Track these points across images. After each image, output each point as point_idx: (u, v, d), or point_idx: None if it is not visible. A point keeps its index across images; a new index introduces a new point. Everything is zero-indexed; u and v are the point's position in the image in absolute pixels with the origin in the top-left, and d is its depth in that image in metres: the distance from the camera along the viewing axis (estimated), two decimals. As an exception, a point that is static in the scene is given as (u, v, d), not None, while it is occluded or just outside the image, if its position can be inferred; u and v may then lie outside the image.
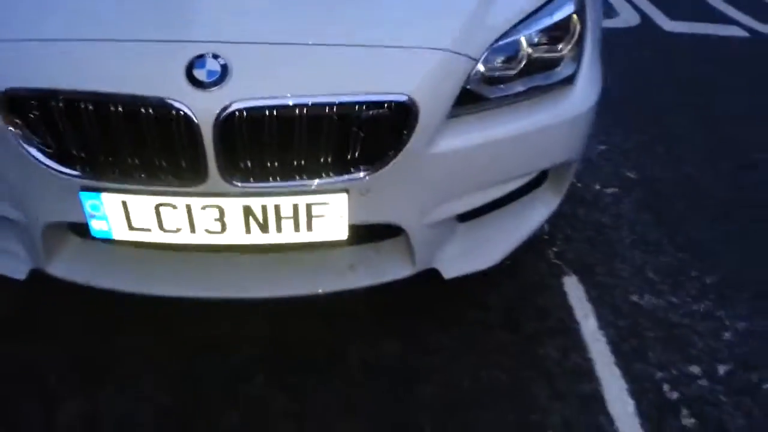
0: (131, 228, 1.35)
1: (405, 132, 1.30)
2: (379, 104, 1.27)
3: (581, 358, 1.68)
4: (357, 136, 1.30)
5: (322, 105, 1.24)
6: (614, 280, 1.94)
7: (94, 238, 1.49)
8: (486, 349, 1.69)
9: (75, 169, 1.29)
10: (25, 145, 1.27)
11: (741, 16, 4.24)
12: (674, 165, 2.54)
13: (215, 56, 1.23)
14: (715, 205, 2.32)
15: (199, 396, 1.52)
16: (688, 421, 1.54)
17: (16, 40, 1.27)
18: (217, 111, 1.20)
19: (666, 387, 1.62)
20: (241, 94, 1.22)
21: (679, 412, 1.56)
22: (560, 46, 1.51)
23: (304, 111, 1.24)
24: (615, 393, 1.60)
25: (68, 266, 1.52)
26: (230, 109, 1.21)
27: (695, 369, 1.68)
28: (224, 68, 1.22)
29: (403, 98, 1.27)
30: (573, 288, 1.90)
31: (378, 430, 1.47)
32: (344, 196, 1.33)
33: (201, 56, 1.23)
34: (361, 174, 1.32)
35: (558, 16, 1.50)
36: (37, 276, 1.52)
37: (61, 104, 1.23)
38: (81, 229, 1.48)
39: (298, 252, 1.56)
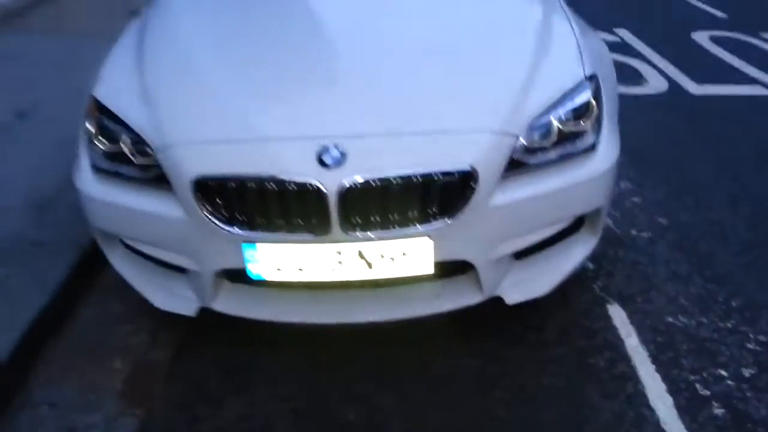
0: (278, 270, 1.87)
1: (469, 193, 1.79)
2: (450, 174, 1.77)
3: (626, 366, 2.07)
4: (435, 197, 1.79)
5: (410, 176, 1.75)
6: (652, 306, 2.33)
7: (242, 282, 2.04)
8: (544, 361, 2.09)
9: (239, 228, 1.83)
10: (207, 214, 1.82)
11: (763, 76, 4.65)
12: (701, 212, 2.93)
13: (336, 146, 1.77)
14: (737, 243, 2.69)
15: (324, 398, 1.98)
16: (719, 411, 1.90)
17: (201, 142, 1.85)
18: (339, 184, 1.73)
19: (699, 386, 1.99)
20: (355, 172, 1.74)
21: (711, 404, 1.92)
22: (582, 122, 1.99)
23: (398, 181, 1.75)
24: (656, 392, 1.97)
25: (227, 303, 2.04)
26: (348, 183, 1.73)
27: (724, 372, 2.04)
28: (343, 155, 1.76)
29: (467, 168, 1.77)
30: (616, 313, 2.29)
31: (465, 420, 1.89)
32: (428, 240, 1.82)
33: (327, 147, 1.77)
34: (440, 224, 1.81)
35: (579, 100, 1.99)
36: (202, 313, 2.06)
37: (233, 184, 1.79)
38: (234, 276, 2.02)
39: (396, 286, 2.04)
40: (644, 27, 5.79)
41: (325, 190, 1.73)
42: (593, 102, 2.01)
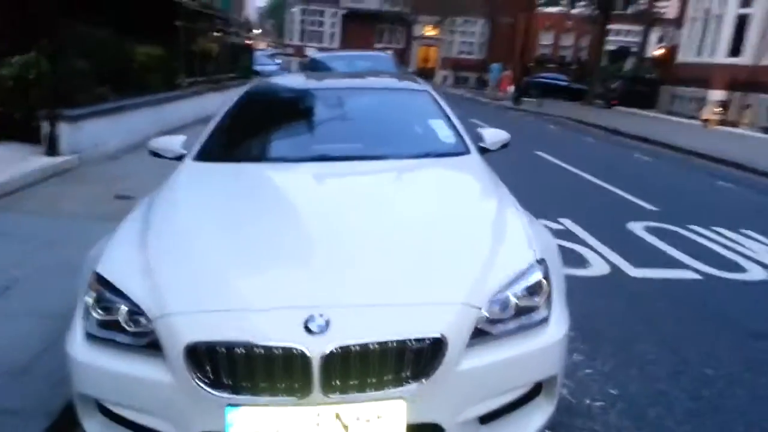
0: (255, 432, 1.99)
1: (439, 358, 2.01)
2: (422, 340, 2.01)
3: None
4: (409, 362, 2.00)
5: (386, 342, 1.98)
6: (607, 472, 2.46)
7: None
8: None
9: (225, 392, 1.98)
10: (195, 379, 1.98)
11: (692, 262, 5.19)
12: (648, 383, 3.17)
13: (320, 315, 2.01)
14: (681, 411, 2.91)
15: None
16: None
17: (196, 312, 2.07)
18: (323, 349, 1.94)
19: None
20: (338, 338, 1.96)
21: None
22: (536, 299, 2.29)
23: (376, 347, 1.98)
24: None
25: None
26: (330, 347, 1.94)
27: None
28: (327, 322, 1.99)
29: (438, 335, 2.01)
30: (576, 480, 2.41)
31: None
32: (402, 402, 1.99)
33: (312, 315, 2.01)
34: (413, 386, 2.00)
35: (532, 279, 2.31)
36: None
37: (223, 350, 1.98)
38: None
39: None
40: (585, 217, 6.45)
41: (309, 354, 1.93)
42: (544, 281, 2.33)
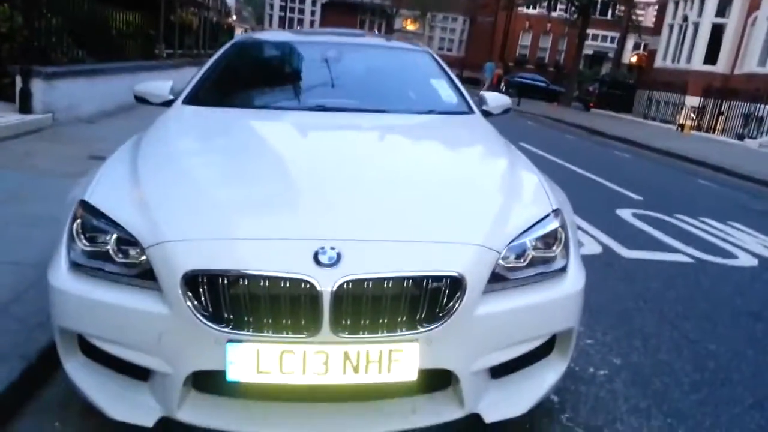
0: (258, 371, 1.80)
1: (457, 300, 1.87)
2: (440, 279, 1.85)
3: (603, 493, 2.03)
4: (424, 303, 1.85)
5: (402, 279, 1.82)
6: (619, 437, 2.35)
7: (209, 392, 1.94)
8: (523, 488, 2.03)
9: (226, 327, 1.80)
10: (194, 310, 1.79)
11: (683, 247, 5.15)
12: (650, 354, 3.07)
13: (332, 248, 1.84)
14: (688, 382, 2.81)
15: None
16: None
17: (196, 239, 1.88)
18: (334, 282, 1.77)
19: None
20: (350, 271, 1.79)
21: None
22: (553, 247, 2.17)
23: (390, 283, 1.82)
24: None
25: (194, 412, 1.91)
26: (342, 281, 1.77)
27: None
28: (339, 256, 1.82)
29: (456, 274, 1.86)
30: (586, 443, 2.29)
31: None
32: (416, 345, 1.84)
33: (323, 247, 1.84)
34: (427, 329, 1.85)
35: (549, 228, 2.18)
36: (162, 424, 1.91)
37: (225, 280, 1.79)
38: (203, 385, 1.93)
39: (373, 401, 1.99)
40: (573, 201, 6.35)
41: (319, 288, 1.76)
42: (561, 230, 2.20)
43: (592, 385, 2.71)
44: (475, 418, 2.02)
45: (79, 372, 2.04)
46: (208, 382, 1.93)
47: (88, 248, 1.99)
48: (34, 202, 4.32)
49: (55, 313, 1.99)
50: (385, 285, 1.81)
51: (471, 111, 3.42)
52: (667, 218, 6.19)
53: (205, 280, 1.79)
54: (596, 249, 4.83)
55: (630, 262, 4.61)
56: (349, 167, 2.39)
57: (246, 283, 1.78)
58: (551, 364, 2.23)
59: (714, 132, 19.37)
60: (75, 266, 1.98)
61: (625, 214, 6.19)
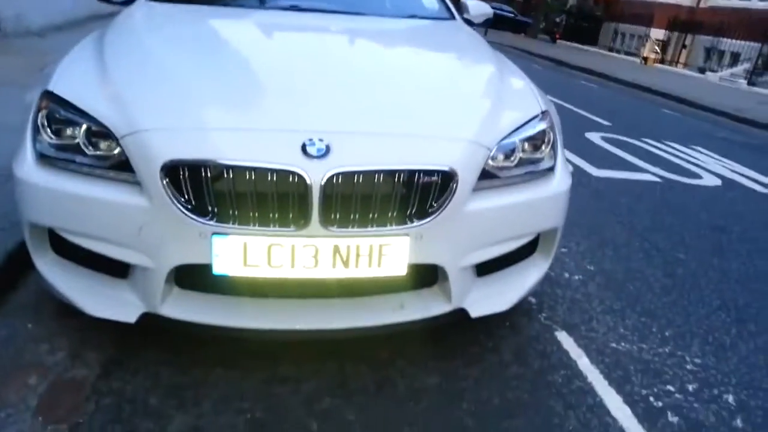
0: (246, 265, 1.75)
1: (448, 194, 1.83)
2: (431, 173, 1.81)
3: (582, 382, 2.09)
4: (415, 197, 1.81)
5: (393, 172, 1.77)
6: (595, 334, 2.41)
7: (191, 288, 1.90)
8: (505, 378, 2.07)
9: (210, 219, 1.73)
10: (176, 203, 1.71)
11: (650, 167, 5.24)
12: (622, 261, 3.15)
13: (320, 139, 1.76)
14: (659, 287, 2.90)
15: (284, 410, 1.82)
16: (674, 419, 1.95)
17: (176, 128, 1.77)
18: (324, 174, 1.70)
19: (652, 399, 2.05)
20: (340, 164, 1.73)
21: (666, 414, 1.98)
22: (542, 148, 2.15)
23: (381, 177, 1.76)
24: (614, 404, 2.00)
25: (177, 307, 1.86)
26: (332, 173, 1.70)
27: (671, 387, 2.12)
28: (327, 147, 1.75)
29: (447, 168, 1.82)
30: (564, 338, 2.35)
31: (432, 430, 1.80)
32: (406, 239, 1.81)
33: (311, 139, 1.76)
34: (418, 224, 1.82)
35: (537, 128, 2.14)
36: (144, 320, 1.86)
37: (208, 172, 1.71)
38: (185, 280, 1.88)
39: (361, 296, 1.98)
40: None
41: (308, 180, 1.69)
42: (549, 131, 2.17)
43: (567, 289, 2.76)
44: (460, 314, 2.04)
45: (53, 270, 1.96)
46: (190, 280, 1.88)
47: (56, 141, 1.87)
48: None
49: (24, 208, 1.88)
50: (376, 178, 1.75)
51: (453, 17, 3.31)
52: (634, 141, 6.27)
53: (186, 172, 1.70)
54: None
55: (600, 181, 4.66)
56: (332, 63, 2.28)
57: (231, 174, 1.70)
58: (534, 264, 2.25)
59: (677, 65, 19.54)
60: (43, 158, 1.86)
61: (594, 137, 6.23)
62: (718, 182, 5.08)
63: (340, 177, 1.71)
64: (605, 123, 7.24)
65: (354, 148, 1.78)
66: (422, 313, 1.98)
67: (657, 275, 3.03)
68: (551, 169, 2.16)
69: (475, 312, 2.05)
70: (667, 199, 4.41)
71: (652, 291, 2.85)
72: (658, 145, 6.26)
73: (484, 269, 2.09)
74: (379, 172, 1.75)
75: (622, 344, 2.36)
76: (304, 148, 1.73)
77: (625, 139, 6.34)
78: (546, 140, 2.16)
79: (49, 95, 1.93)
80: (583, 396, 2.02)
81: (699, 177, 5.17)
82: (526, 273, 2.23)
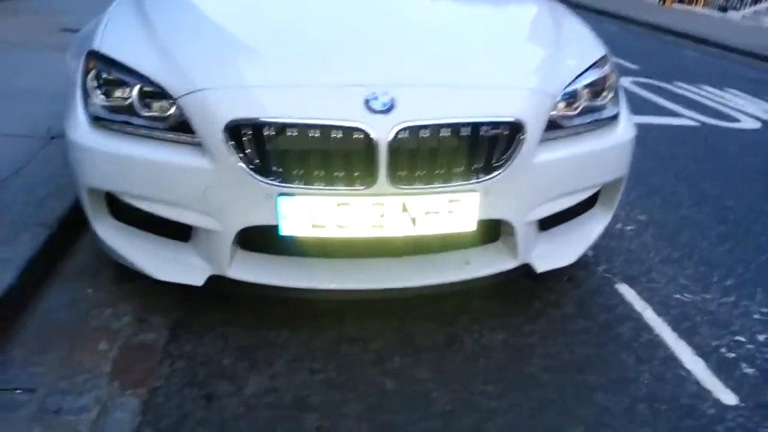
0: (313, 226, 1.70)
1: (516, 145, 1.76)
2: (499, 125, 1.73)
3: (650, 335, 2.06)
4: (483, 150, 1.74)
5: (459, 125, 1.69)
6: (656, 285, 2.37)
7: (256, 250, 1.86)
8: (572, 332, 2.05)
9: (276, 180, 1.67)
10: (242, 163, 1.65)
11: (686, 111, 5.10)
12: (672, 210, 3.08)
13: (384, 93, 1.68)
14: (714, 234, 2.84)
15: (356, 369, 1.81)
16: (749, 370, 1.92)
17: (237, 86, 1.70)
18: (390, 129, 1.63)
19: (723, 350, 2.01)
20: (406, 119, 1.65)
21: (740, 365, 1.95)
22: (603, 94, 2.06)
23: (448, 131, 1.69)
24: (686, 356, 1.97)
25: (245, 269, 1.83)
26: (398, 128, 1.63)
27: (741, 338, 2.08)
28: (392, 102, 1.67)
29: (516, 119, 1.74)
30: (626, 291, 2.31)
31: (508, 386, 1.78)
32: (476, 194, 1.75)
33: (374, 93, 1.68)
34: (486, 178, 1.75)
35: (601, 73, 2.05)
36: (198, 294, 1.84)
37: (272, 131, 1.64)
38: (250, 243, 1.84)
39: (427, 254, 1.94)
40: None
41: (375, 137, 1.63)
42: (612, 75, 2.08)
43: (622, 240, 2.71)
44: (524, 269, 2.00)
45: (113, 235, 1.93)
46: (253, 241, 1.84)
47: (108, 103, 1.81)
48: (14, 75, 4.00)
49: (81, 173, 1.83)
50: (443, 132, 1.68)
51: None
52: (666, 85, 6.09)
53: (249, 131, 1.64)
54: (602, 115, 4.74)
55: (638, 127, 4.52)
56: (384, 13, 2.18)
57: (294, 133, 1.64)
58: (596, 216, 2.19)
59: (696, 4, 18.86)
60: (97, 120, 1.80)
61: (626, 82, 6.05)
62: (757, 125, 4.94)
63: (406, 132, 1.64)
64: (633, 66, 7.03)
65: (419, 102, 1.71)
66: (488, 270, 1.94)
67: (710, 223, 2.96)
68: (615, 117, 2.07)
69: (540, 267, 2.01)
70: (708, 144, 4.30)
71: (708, 239, 2.79)
72: (691, 88, 6.08)
73: (548, 223, 2.04)
74: (445, 125, 1.68)
75: (686, 295, 2.32)
76: (367, 102, 1.66)
77: (656, 83, 6.16)
78: (608, 86, 2.07)
79: (95, 55, 1.86)
80: (654, 349, 1.99)
81: (737, 120, 5.02)
82: (589, 226, 2.18)
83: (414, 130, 1.65)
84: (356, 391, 1.73)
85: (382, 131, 1.62)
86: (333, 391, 1.73)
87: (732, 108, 5.43)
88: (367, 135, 1.62)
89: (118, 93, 1.80)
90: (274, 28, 1.97)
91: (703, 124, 4.80)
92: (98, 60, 1.84)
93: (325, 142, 1.64)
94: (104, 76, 1.82)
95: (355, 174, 1.67)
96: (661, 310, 2.21)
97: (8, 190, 2.47)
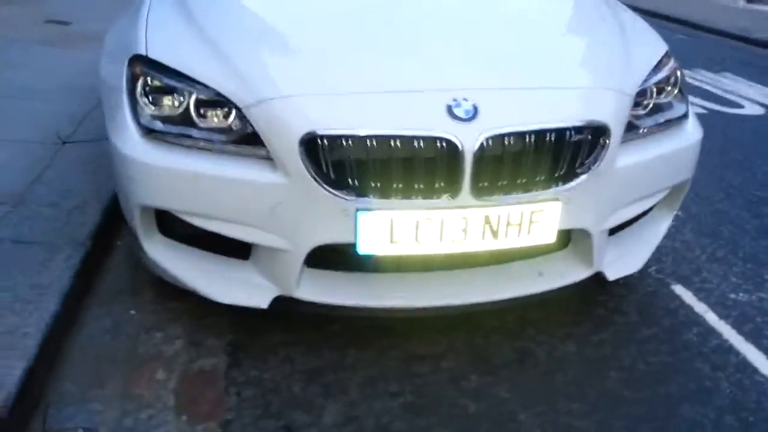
0: (392, 242, 1.60)
1: (599, 150, 1.68)
2: (584, 129, 1.65)
3: (719, 339, 2.02)
4: (566, 156, 1.66)
5: (545, 130, 1.61)
6: (710, 285, 2.33)
7: (321, 267, 1.76)
8: (641, 340, 1.99)
9: (352, 195, 1.57)
10: (317, 179, 1.54)
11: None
12: (706, 204, 3.05)
13: (465, 99, 1.59)
14: (751, 229, 2.82)
15: (435, 391, 1.72)
16: (824, 375, 1.90)
17: (311, 95, 1.58)
18: (476, 138, 1.54)
19: (795, 354, 1.99)
20: (491, 125, 1.56)
21: (814, 369, 1.92)
22: (673, 90, 2.00)
23: (533, 137, 1.60)
24: (760, 361, 1.93)
25: (313, 289, 1.72)
26: (485, 136, 1.54)
27: (809, 340, 2.06)
28: (474, 107, 1.58)
29: (602, 122, 1.67)
30: (682, 292, 2.26)
31: (593, 401, 1.72)
32: (558, 204, 1.67)
33: (456, 99, 1.58)
34: (569, 185, 1.68)
35: (668, 69, 2.00)
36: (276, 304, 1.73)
37: (349, 142, 1.54)
38: (317, 261, 1.73)
39: (497, 266, 1.85)
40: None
41: (460, 146, 1.53)
42: (678, 73, 2.02)
43: (665, 238, 2.63)
44: (595, 278, 1.94)
45: (165, 254, 1.80)
46: (321, 259, 1.73)
47: (160, 113, 1.67)
48: (3, 71, 3.77)
49: (133, 190, 1.70)
50: (527, 139, 1.60)
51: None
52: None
53: (325, 143, 1.53)
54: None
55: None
56: (450, 14, 2.06)
57: (374, 144, 1.53)
58: (658, 218, 2.14)
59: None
60: (150, 133, 1.67)
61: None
62: (761, 111, 4.95)
63: (492, 140, 1.55)
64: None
65: (502, 107, 1.62)
66: (563, 280, 1.87)
67: (745, 216, 2.94)
68: (685, 116, 2.02)
69: (612, 274, 1.95)
70: (720, 131, 4.28)
71: (748, 234, 2.76)
72: (689, 72, 6.07)
73: (614, 228, 1.98)
74: (530, 132, 1.59)
75: (741, 294, 2.29)
76: (450, 109, 1.56)
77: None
78: (675, 82, 2.01)
79: (142, 60, 1.72)
80: (726, 355, 1.95)
81: (741, 106, 5.03)
82: (652, 228, 2.12)
83: (499, 137, 1.56)
84: (439, 415, 1.65)
85: (468, 140, 1.53)
86: (415, 416, 1.65)
87: (733, 93, 5.44)
88: (451, 144, 1.53)
89: (167, 101, 1.67)
90: (338, 28, 1.85)
91: (709, 110, 4.80)
92: (146, 65, 1.71)
93: (406, 152, 1.54)
94: (154, 82, 1.68)
95: (435, 186, 1.58)
96: (722, 312, 2.17)
97: (31, 204, 2.31)
